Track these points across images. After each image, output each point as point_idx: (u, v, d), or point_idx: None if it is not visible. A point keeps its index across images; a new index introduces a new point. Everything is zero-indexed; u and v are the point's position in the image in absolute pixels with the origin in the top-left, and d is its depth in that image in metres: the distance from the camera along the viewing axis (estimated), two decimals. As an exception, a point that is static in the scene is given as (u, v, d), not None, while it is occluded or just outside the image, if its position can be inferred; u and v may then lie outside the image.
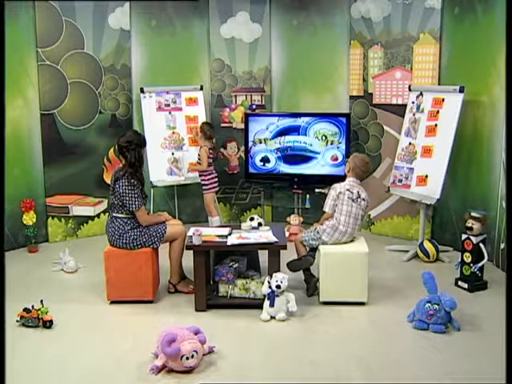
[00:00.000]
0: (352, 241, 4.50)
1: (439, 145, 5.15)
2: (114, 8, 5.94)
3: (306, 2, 6.17)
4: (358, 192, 4.44)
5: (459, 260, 4.67)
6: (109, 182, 6.05)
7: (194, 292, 4.38)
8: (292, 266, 4.49)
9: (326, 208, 4.49)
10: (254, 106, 6.41)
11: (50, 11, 5.61)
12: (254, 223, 5.59)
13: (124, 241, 4.37)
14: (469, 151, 5.34)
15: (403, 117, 5.58)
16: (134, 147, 4.33)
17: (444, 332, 3.84)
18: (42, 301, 4.04)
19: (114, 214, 4.44)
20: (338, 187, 4.46)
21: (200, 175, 5.91)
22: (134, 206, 4.33)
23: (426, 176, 5.22)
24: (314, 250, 4.53)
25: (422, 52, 5.56)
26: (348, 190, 4.42)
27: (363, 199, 4.45)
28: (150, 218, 4.52)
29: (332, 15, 6.08)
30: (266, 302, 4.09)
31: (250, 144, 6.22)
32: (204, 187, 5.90)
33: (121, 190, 4.32)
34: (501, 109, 4.86)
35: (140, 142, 4.40)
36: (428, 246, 5.24)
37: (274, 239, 4.26)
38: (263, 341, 3.83)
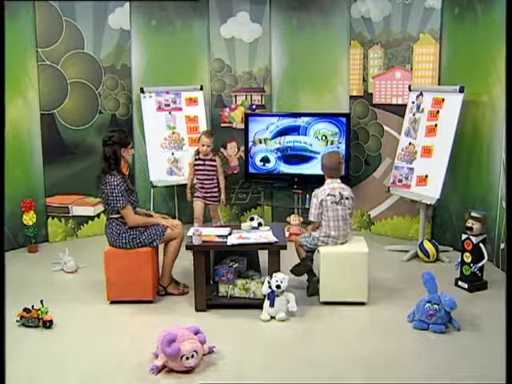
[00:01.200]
0: (352, 241, 4.50)
1: (439, 145, 5.15)
2: (114, 8, 5.93)
3: (306, 2, 6.17)
4: (340, 193, 4.39)
5: (459, 260, 4.67)
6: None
7: (184, 293, 4.47)
8: (296, 272, 4.49)
9: (311, 217, 4.45)
10: (254, 106, 6.41)
11: (49, 11, 5.61)
12: (254, 223, 5.56)
13: (123, 240, 4.36)
14: (469, 151, 5.34)
15: (403, 117, 5.57)
16: (111, 143, 4.34)
17: (444, 332, 3.85)
18: (41, 301, 4.04)
19: (110, 216, 4.41)
20: (319, 195, 4.40)
21: (212, 186, 5.54)
22: (118, 204, 4.30)
23: (426, 176, 5.22)
24: (312, 251, 4.53)
25: (422, 52, 5.56)
26: (329, 194, 4.37)
27: (347, 198, 4.40)
28: (138, 218, 4.44)
29: (332, 15, 6.08)
30: (266, 302, 4.09)
31: (250, 144, 6.22)
32: (217, 198, 5.58)
33: (106, 190, 4.32)
34: (501, 109, 4.85)
35: (120, 140, 4.37)
36: (428, 246, 5.24)
37: (273, 239, 4.26)
38: (263, 341, 3.83)
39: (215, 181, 5.54)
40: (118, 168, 4.37)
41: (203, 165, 5.49)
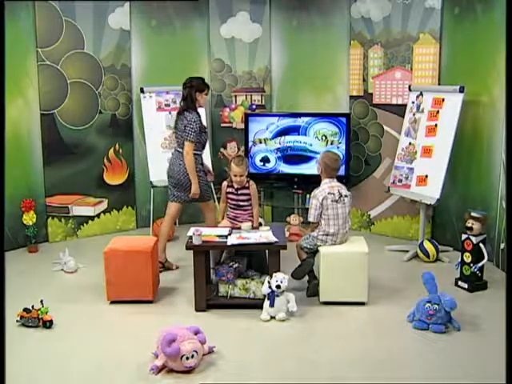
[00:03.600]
0: (352, 241, 4.50)
1: (439, 145, 5.15)
2: (114, 8, 5.93)
3: (306, 1, 6.17)
4: (339, 191, 4.41)
5: (459, 260, 4.67)
6: (109, 182, 6.15)
7: (177, 267, 5.05)
8: (296, 275, 4.49)
9: (311, 218, 4.45)
10: (254, 106, 6.41)
11: (49, 11, 5.61)
12: (254, 223, 5.58)
13: (184, 175, 4.91)
14: (469, 151, 5.34)
15: (403, 117, 5.58)
16: (189, 85, 4.95)
17: (444, 332, 3.85)
18: (41, 301, 4.04)
19: (180, 149, 4.93)
20: (319, 195, 4.41)
21: (244, 214, 4.92)
22: (189, 137, 4.82)
23: (426, 176, 5.22)
24: (313, 252, 4.52)
25: (422, 52, 5.56)
26: (329, 193, 4.39)
27: (345, 196, 4.43)
28: (192, 161, 4.85)
29: (332, 15, 6.08)
30: (266, 302, 4.09)
31: (250, 144, 6.22)
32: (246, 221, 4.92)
33: (182, 123, 4.87)
34: (501, 109, 4.86)
35: (197, 85, 4.95)
36: (428, 245, 5.24)
37: (273, 239, 4.25)
38: (263, 341, 3.83)
39: (248, 210, 4.93)
40: (194, 107, 4.92)
41: (236, 194, 4.90)
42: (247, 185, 4.86)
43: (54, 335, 3.93)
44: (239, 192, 4.86)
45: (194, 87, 4.94)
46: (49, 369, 3.50)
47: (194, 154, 4.89)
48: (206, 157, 6.03)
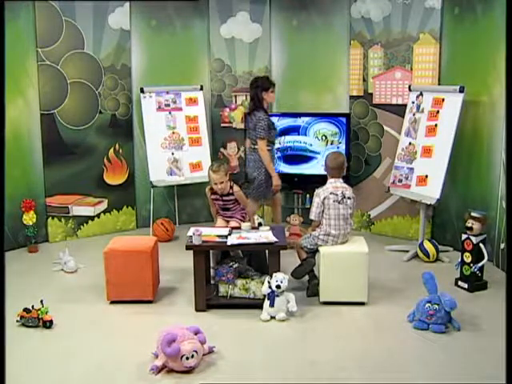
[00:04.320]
0: (352, 241, 4.50)
1: (439, 145, 5.15)
2: (114, 8, 5.93)
3: (306, 2, 6.17)
4: (343, 192, 4.41)
5: (459, 260, 4.67)
6: (109, 181, 6.14)
7: None
8: (296, 274, 4.49)
9: (312, 216, 4.46)
10: (254, 106, 6.40)
11: (49, 11, 5.60)
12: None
13: (256, 172, 5.29)
14: (469, 151, 5.34)
15: (403, 117, 5.58)
16: (255, 86, 5.33)
17: (444, 332, 3.85)
18: (41, 301, 4.04)
19: (254, 146, 5.29)
20: (321, 193, 4.41)
21: (235, 213, 4.91)
22: (260, 134, 5.18)
23: (426, 176, 5.22)
24: (313, 252, 4.52)
25: (422, 52, 5.56)
26: (332, 193, 4.39)
27: (349, 198, 4.43)
28: (268, 154, 5.23)
29: (332, 15, 6.08)
30: (266, 302, 4.09)
31: (250, 144, 6.21)
32: (240, 219, 4.93)
33: (253, 122, 5.25)
34: (501, 109, 4.86)
35: (262, 84, 5.30)
36: (428, 245, 5.24)
37: (273, 239, 4.25)
38: (263, 341, 3.83)
39: (238, 209, 4.89)
40: (262, 106, 5.30)
41: (222, 200, 4.84)
42: (231, 191, 4.76)
43: (54, 335, 3.93)
44: (224, 198, 4.80)
45: (259, 87, 5.28)
46: (49, 369, 3.50)
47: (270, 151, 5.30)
48: (206, 157, 6.06)
